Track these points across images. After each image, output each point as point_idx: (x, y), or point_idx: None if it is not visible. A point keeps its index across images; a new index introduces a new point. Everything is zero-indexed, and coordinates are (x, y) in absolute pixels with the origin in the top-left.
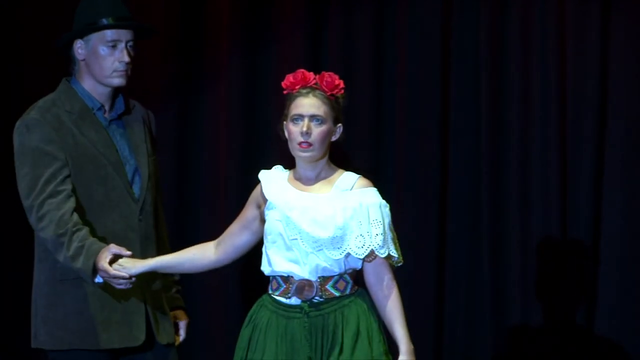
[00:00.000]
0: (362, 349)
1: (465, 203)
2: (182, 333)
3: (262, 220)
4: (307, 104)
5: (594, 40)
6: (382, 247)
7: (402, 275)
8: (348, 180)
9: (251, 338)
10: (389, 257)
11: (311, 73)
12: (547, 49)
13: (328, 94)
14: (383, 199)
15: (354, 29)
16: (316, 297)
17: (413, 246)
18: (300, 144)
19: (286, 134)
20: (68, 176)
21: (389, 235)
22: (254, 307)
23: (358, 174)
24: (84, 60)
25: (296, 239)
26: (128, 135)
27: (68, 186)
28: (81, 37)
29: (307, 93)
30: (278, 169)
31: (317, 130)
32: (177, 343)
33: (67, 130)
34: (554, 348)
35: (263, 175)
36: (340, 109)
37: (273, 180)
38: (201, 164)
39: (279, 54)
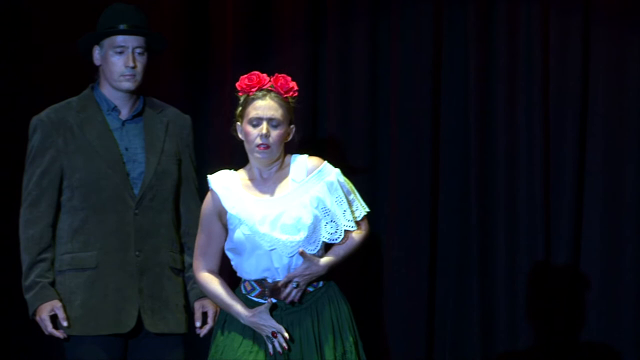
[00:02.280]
0: (337, 339)
1: (455, 204)
2: (210, 321)
3: (225, 225)
4: (265, 107)
5: (576, 51)
6: (351, 220)
7: (395, 282)
8: (300, 168)
9: (225, 332)
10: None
11: (265, 75)
12: (532, 59)
13: (283, 96)
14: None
15: (351, 40)
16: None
17: (405, 247)
18: (258, 146)
19: (241, 135)
20: (56, 177)
21: (352, 199)
22: None
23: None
24: (100, 65)
25: (274, 248)
26: (144, 135)
27: (52, 191)
28: (97, 43)
29: (264, 95)
30: (226, 174)
31: (275, 133)
32: (204, 331)
33: (68, 130)
34: None
35: (216, 184)
36: (293, 111)
37: (228, 190)
38: (206, 168)
39: (280, 63)
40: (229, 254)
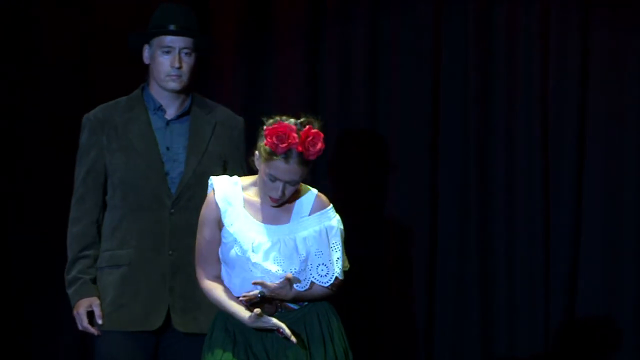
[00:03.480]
0: (328, 353)
1: (455, 205)
2: None
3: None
4: (286, 171)
5: (575, 51)
6: (340, 269)
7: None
8: (306, 203)
9: (211, 344)
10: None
11: (294, 131)
12: (532, 59)
13: (309, 159)
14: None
15: (351, 40)
16: (276, 312)
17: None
18: (272, 197)
19: (258, 167)
20: (101, 175)
21: (342, 249)
22: (217, 314)
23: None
24: (149, 64)
25: (263, 277)
26: (189, 135)
27: (97, 188)
28: (147, 42)
29: (288, 159)
30: (230, 185)
31: (290, 189)
32: None
33: (112, 128)
34: None
35: (219, 196)
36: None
37: (230, 205)
38: None
39: (280, 63)
40: (222, 267)
